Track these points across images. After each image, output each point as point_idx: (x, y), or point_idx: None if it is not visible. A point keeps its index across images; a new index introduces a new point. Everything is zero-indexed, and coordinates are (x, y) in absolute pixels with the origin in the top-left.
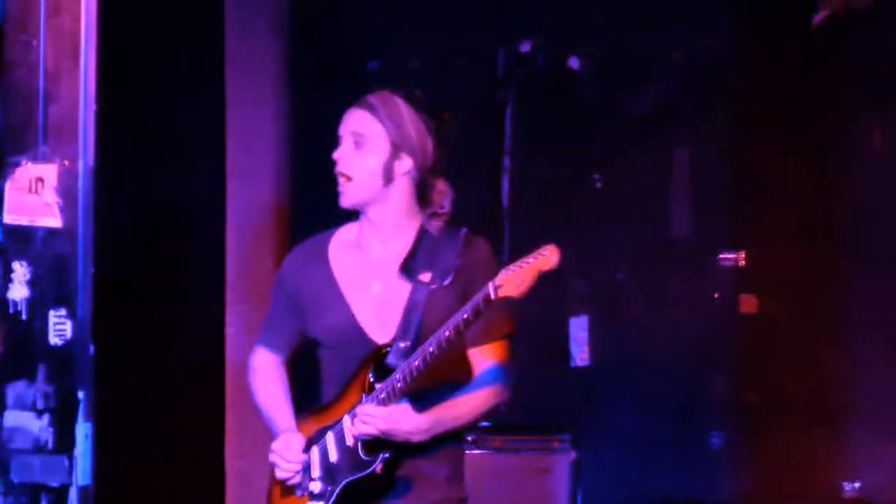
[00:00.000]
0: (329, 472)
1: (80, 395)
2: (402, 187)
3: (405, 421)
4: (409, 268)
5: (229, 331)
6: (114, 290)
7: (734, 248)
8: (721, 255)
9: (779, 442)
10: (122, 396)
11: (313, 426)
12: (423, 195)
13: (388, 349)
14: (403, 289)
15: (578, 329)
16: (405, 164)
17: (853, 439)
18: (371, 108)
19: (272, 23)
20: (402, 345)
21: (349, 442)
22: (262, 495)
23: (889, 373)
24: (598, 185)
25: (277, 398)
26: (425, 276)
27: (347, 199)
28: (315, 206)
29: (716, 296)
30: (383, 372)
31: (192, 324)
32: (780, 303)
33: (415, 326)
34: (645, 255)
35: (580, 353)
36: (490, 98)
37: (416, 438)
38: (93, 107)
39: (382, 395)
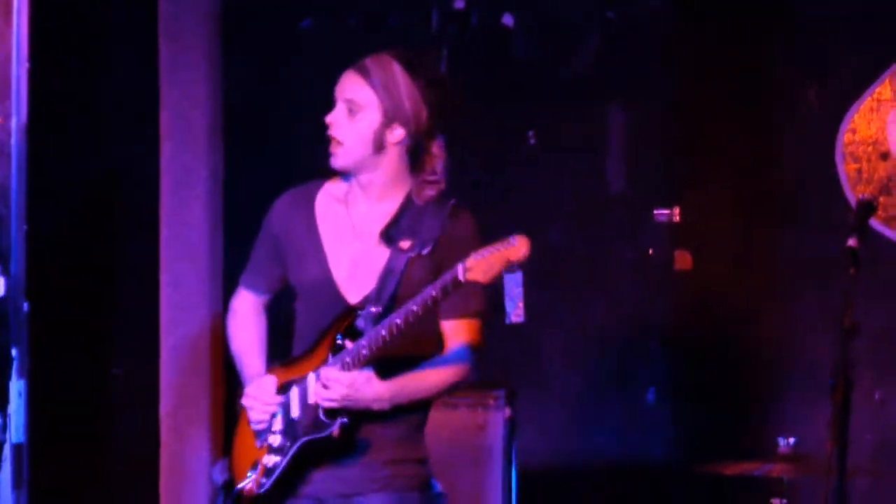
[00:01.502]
0: (290, 426)
1: (14, 352)
2: (393, 155)
3: (367, 388)
4: (389, 233)
5: (163, 289)
6: (48, 248)
7: (669, 204)
8: (656, 211)
9: (714, 398)
10: (55, 353)
11: (281, 378)
12: (415, 161)
13: (359, 312)
14: (382, 253)
15: (513, 285)
16: (397, 133)
17: (788, 395)
18: (367, 75)
19: None
20: (373, 309)
21: (311, 400)
22: (193, 449)
23: (822, 331)
24: (532, 141)
25: (251, 343)
26: (405, 244)
27: (338, 162)
28: (249, 169)
29: (650, 252)
30: (352, 334)
31: (125, 280)
32: (714, 259)
33: (388, 293)
34: (580, 211)
35: (515, 310)
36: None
37: (376, 406)
38: (25, 64)
39: (347, 360)
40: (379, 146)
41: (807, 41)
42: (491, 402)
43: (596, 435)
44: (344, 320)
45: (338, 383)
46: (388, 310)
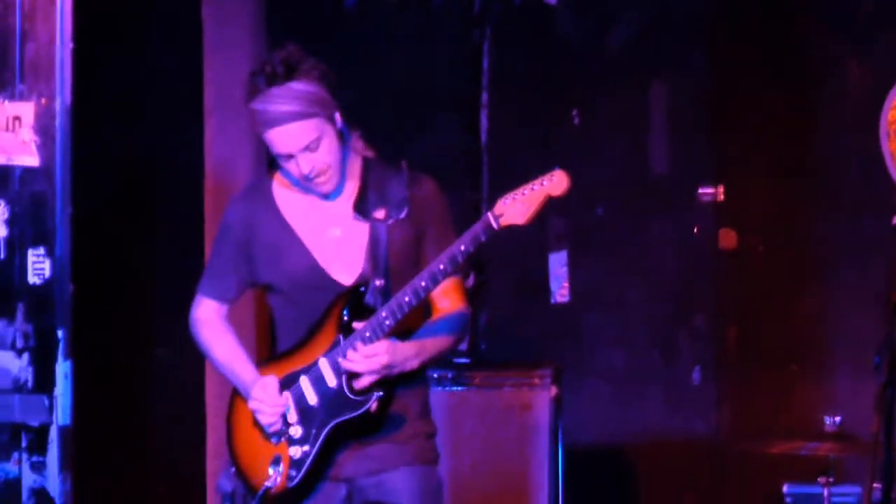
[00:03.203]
0: (307, 415)
1: (60, 333)
2: (333, 138)
3: (399, 352)
4: (362, 207)
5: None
6: (92, 229)
7: (713, 183)
8: (700, 190)
9: (760, 377)
10: (101, 335)
11: (277, 373)
12: (339, 133)
13: (363, 289)
14: (361, 228)
15: (558, 265)
16: (338, 122)
17: (834, 373)
18: (303, 116)
19: None
20: (377, 283)
21: (331, 383)
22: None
23: (865, 309)
24: (576, 120)
25: (235, 350)
26: (380, 213)
27: (328, 186)
28: None
29: (695, 230)
30: (360, 311)
31: (170, 264)
32: (759, 238)
33: (382, 264)
34: (623, 190)
35: (560, 290)
36: (467, 36)
37: (408, 367)
38: (69, 45)
39: (367, 334)
40: (341, 143)
41: (847, 17)
42: (536, 381)
43: (642, 413)
44: (346, 300)
45: (376, 354)
46: (388, 280)
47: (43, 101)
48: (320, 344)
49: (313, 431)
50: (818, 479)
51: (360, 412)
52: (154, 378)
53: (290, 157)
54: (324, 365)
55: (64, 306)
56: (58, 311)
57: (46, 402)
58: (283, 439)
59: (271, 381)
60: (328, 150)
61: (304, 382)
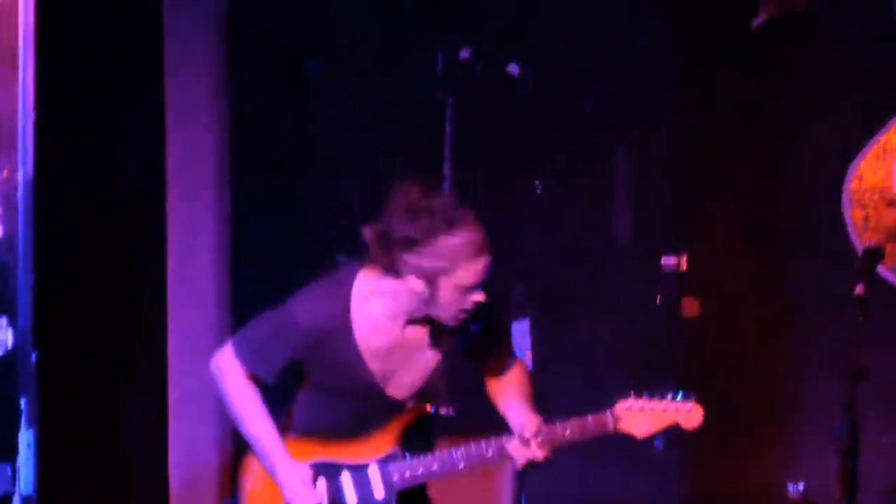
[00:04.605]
0: None
1: (23, 402)
2: None
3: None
4: (439, 339)
5: (171, 336)
6: (55, 297)
7: (676, 251)
8: (663, 259)
9: (724, 442)
10: (64, 404)
11: (308, 453)
12: None
13: (430, 412)
14: (432, 356)
15: (520, 334)
16: None
17: (798, 440)
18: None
19: (210, 22)
20: (443, 412)
21: (378, 495)
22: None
23: (832, 374)
24: (539, 191)
25: (262, 419)
26: (451, 343)
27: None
28: (256, 208)
29: (658, 299)
30: (423, 434)
31: (133, 329)
32: (722, 305)
33: (441, 391)
34: (587, 258)
35: (523, 358)
36: (430, 102)
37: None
38: (31, 116)
39: (435, 468)
40: None
41: (813, 83)
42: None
43: (603, 479)
44: (413, 419)
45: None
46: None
47: (5, 172)
48: (372, 448)
49: None
50: None
51: None
52: (118, 447)
53: (476, 289)
54: (373, 472)
55: (27, 375)
56: (20, 379)
57: (9, 471)
58: None
59: (307, 472)
60: None
61: (346, 480)
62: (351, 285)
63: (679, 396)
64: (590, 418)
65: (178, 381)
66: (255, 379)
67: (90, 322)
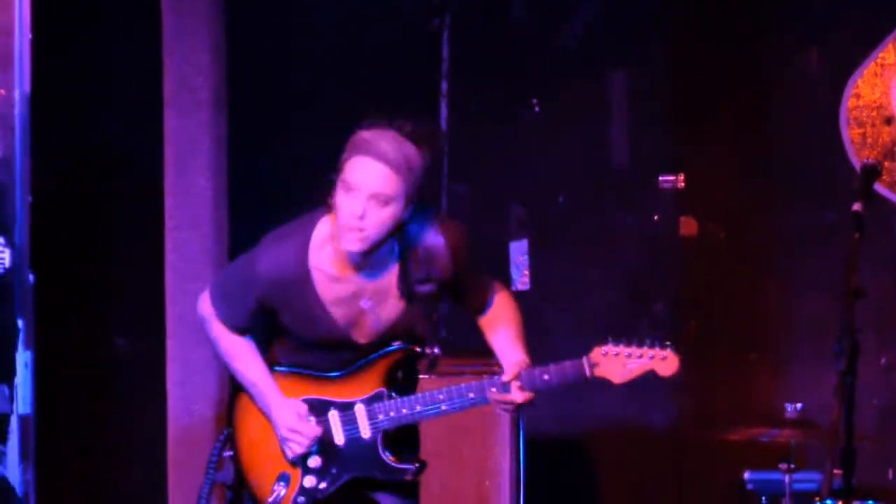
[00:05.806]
0: (329, 450)
1: (20, 323)
2: (395, 216)
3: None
4: (408, 291)
5: (168, 257)
6: (52, 218)
7: (673, 171)
8: (660, 178)
9: (720, 364)
10: (62, 325)
11: (298, 391)
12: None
13: (419, 350)
14: (396, 304)
15: (518, 253)
16: (407, 211)
17: (794, 361)
18: (396, 168)
19: None
20: (428, 352)
21: (364, 434)
22: (203, 420)
23: (826, 296)
24: (537, 109)
25: (260, 367)
26: (422, 290)
27: (358, 246)
28: (250, 133)
29: (655, 218)
30: (411, 373)
31: (130, 253)
32: (719, 226)
33: (415, 334)
34: (584, 178)
35: (521, 277)
36: (426, 26)
37: None
38: (28, 35)
39: (419, 408)
40: (396, 226)
41: (806, 7)
42: (497, 368)
43: (602, 402)
44: (399, 357)
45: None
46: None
47: (1, 91)
48: (357, 386)
49: (333, 471)
50: (779, 466)
51: (393, 479)
52: (114, 367)
53: (353, 192)
54: (360, 411)
55: (24, 296)
56: (17, 301)
57: (7, 391)
58: (297, 462)
59: (302, 408)
60: (385, 219)
61: (334, 419)
62: (311, 233)
63: (656, 343)
64: (567, 364)
65: (175, 300)
66: (232, 332)
67: (88, 243)
